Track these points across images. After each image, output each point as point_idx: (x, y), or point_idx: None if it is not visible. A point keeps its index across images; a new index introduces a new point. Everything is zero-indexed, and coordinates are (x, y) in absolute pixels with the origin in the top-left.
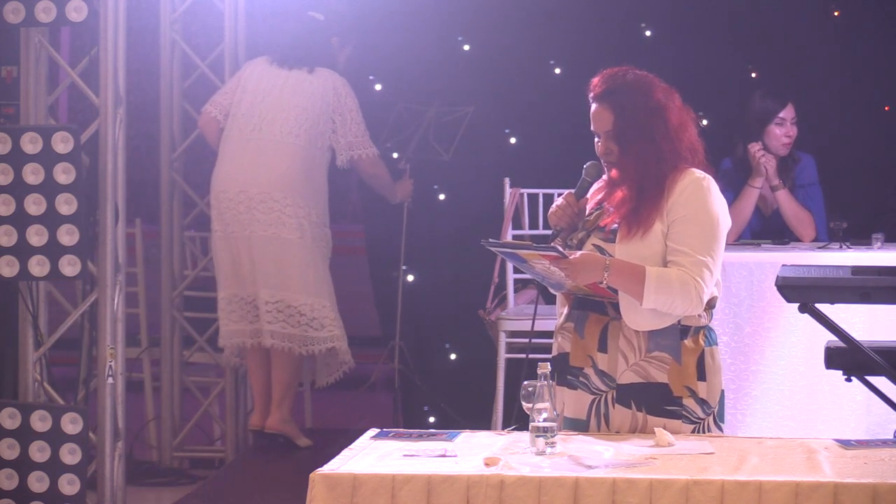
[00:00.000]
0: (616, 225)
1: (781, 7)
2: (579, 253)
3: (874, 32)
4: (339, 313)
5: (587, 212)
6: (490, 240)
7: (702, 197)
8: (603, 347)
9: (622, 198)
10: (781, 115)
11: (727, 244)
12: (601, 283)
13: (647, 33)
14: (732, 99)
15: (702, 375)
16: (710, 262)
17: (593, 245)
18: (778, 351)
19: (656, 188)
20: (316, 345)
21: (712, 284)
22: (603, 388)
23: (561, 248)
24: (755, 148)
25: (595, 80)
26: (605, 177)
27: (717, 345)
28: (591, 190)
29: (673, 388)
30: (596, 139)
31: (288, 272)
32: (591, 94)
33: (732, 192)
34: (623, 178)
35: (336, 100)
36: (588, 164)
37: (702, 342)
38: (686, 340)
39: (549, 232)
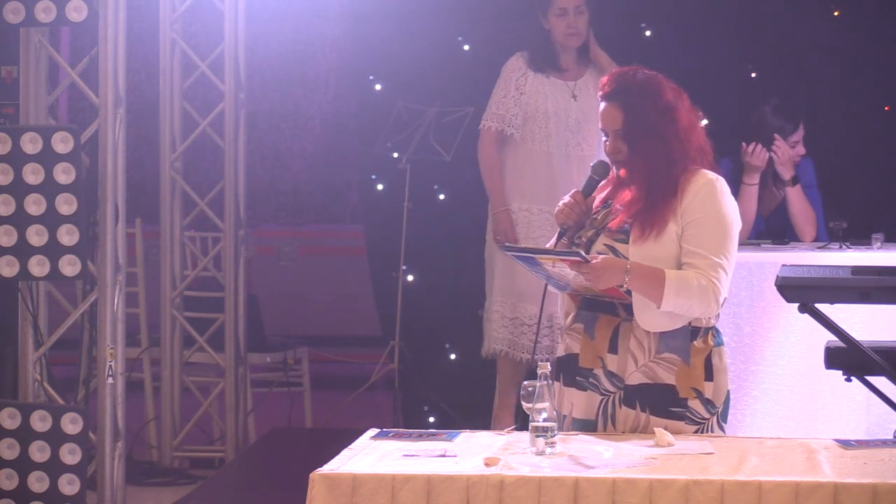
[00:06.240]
0: (627, 225)
1: (781, 7)
2: (601, 257)
3: (874, 32)
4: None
5: (593, 209)
6: (508, 244)
7: (716, 199)
8: (613, 349)
9: (632, 198)
10: (794, 138)
11: None
12: (621, 286)
13: (647, 33)
14: (732, 99)
15: (709, 375)
16: (726, 264)
17: (604, 245)
18: (778, 351)
19: (667, 188)
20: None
21: (728, 286)
22: (611, 389)
23: (584, 254)
24: (749, 148)
25: (604, 80)
26: (611, 173)
27: (723, 345)
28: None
29: (679, 390)
30: (604, 138)
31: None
32: (601, 94)
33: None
34: (632, 177)
35: None
36: (595, 162)
37: (710, 342)
38: (695, 342)
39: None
